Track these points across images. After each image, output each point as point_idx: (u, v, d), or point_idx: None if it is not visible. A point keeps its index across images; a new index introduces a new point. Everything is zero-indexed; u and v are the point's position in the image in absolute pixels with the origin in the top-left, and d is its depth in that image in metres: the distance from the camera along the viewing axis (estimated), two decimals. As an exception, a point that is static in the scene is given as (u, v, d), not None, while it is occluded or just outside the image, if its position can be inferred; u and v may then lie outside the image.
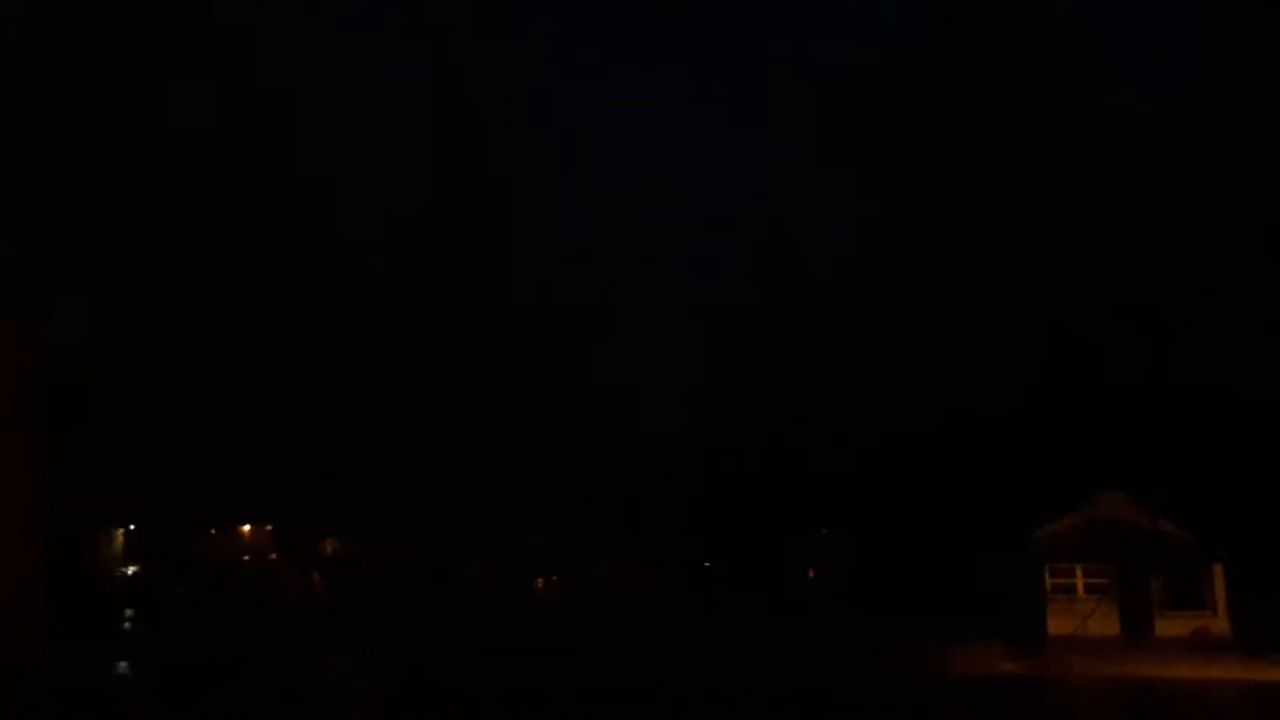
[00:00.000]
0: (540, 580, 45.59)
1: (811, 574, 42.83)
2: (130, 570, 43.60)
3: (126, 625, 35.80)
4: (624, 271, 49.68)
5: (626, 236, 57.33)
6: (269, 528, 45.74)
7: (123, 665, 28.15)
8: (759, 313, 44.48)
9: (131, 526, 43.78)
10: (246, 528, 45.79)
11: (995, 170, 39.45)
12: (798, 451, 41.69)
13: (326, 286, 45.94)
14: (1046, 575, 32.55)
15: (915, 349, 39.86)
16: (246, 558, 45.31)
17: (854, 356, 41.65)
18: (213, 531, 44.82)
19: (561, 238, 51.66)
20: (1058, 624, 32.11)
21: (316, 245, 46.53)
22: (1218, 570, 31.08)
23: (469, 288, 45.63)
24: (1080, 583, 32.31)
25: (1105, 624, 31.70)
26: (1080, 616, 31.66)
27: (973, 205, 40.18)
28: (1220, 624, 30.25)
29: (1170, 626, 30.68)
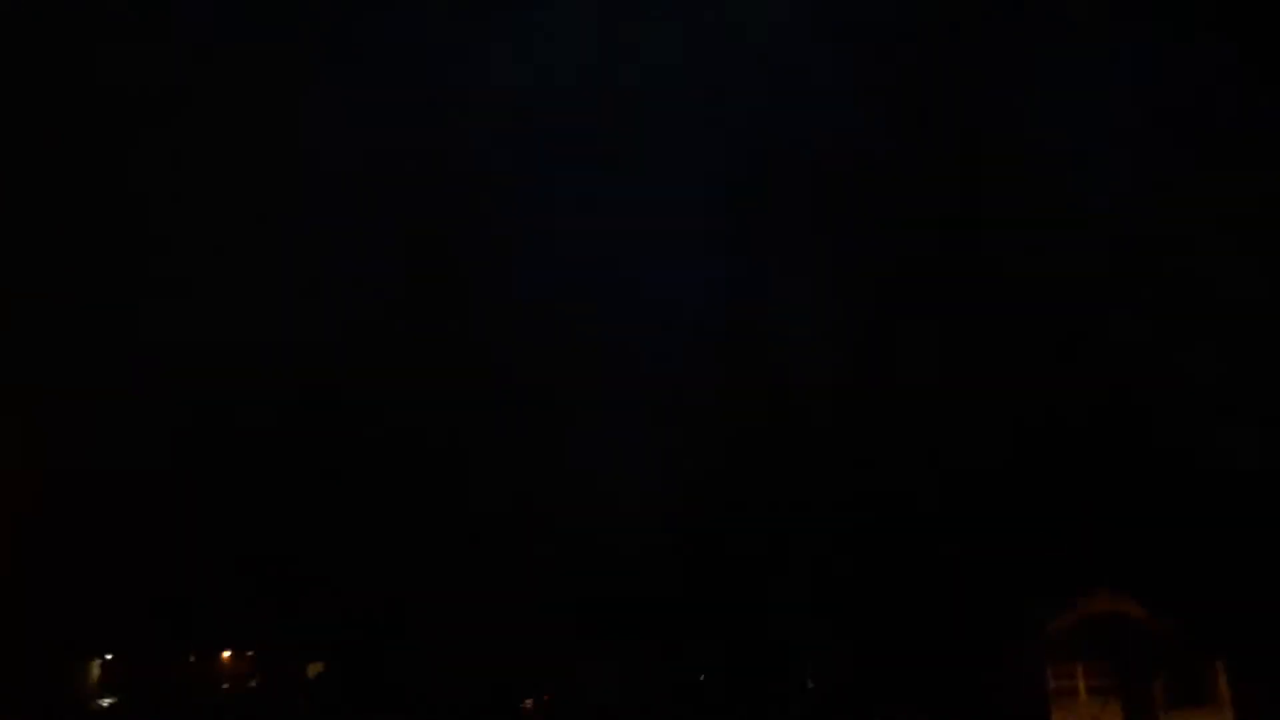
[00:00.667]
0: (529, 700, 44.49)
1: (810, 683, 41.95)
2: (106, 703, 42.25)
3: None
4: (595, 363, 49.73)
5: (590, 326, 57.50)
6: (249, 654, 44.52)
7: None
8: (740, 408, 44.40)
9: (108, 656, 42.58)
10: (226, 654, 44.53)
11: (970, 263, 39.88)
12: (787, 542, 41.15)
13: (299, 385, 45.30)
14: (1049, 676, 31.98)
15: (894, 438, 39.77)
16: (226, 686, 43.98)
17: (840, 442, 41.49)
18: (191, 659, 43.57)
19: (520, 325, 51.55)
20: (1063, 726, 31.47)
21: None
22: (1220, 666, 30.60)
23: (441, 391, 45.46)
24: (1082, 684, 31.73)
25: (1110, 725, 31.06)
26: (1086, 718, 30.97)
27: (949, 305, 40.57)
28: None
29: (1176, 725, 30.43)
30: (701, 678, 44.75)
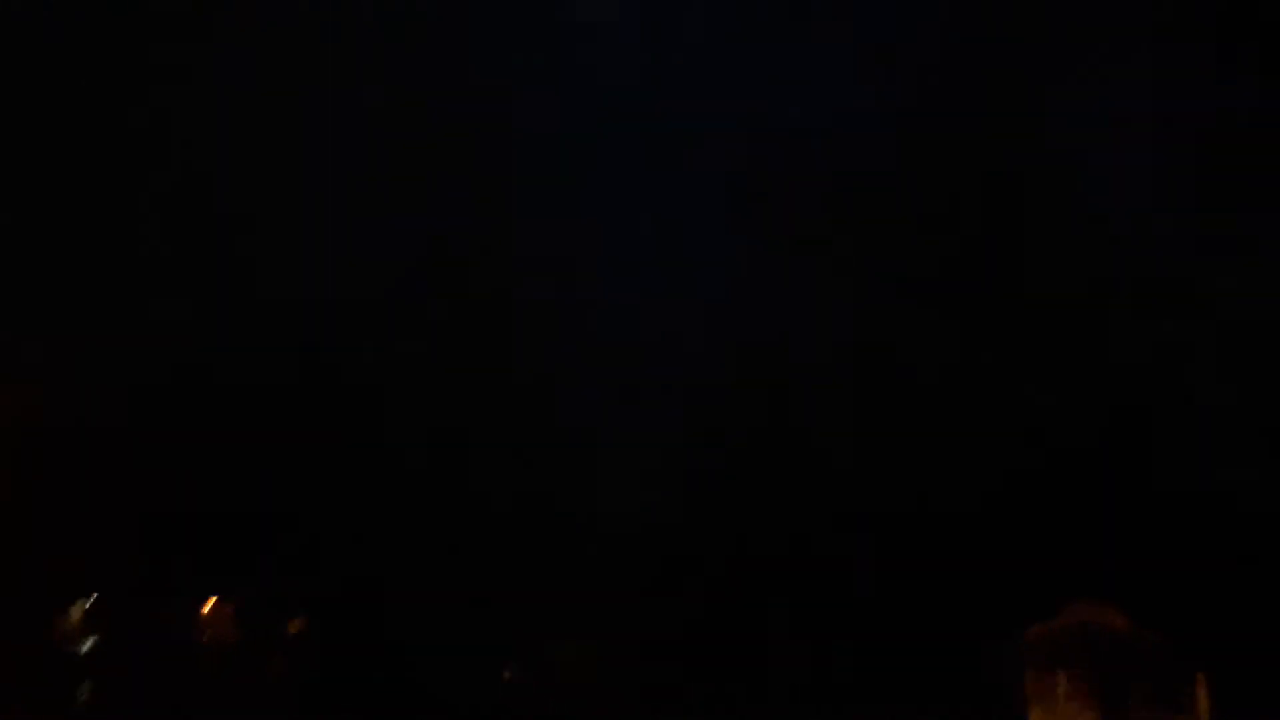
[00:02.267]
0: (506, 673, 44.51)
1: (788, 669, 41.95)
2: (87, 645, 42.32)
3: (79, 703, 34.69)
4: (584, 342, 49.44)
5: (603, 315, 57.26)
6: (230, 606, 44.43)
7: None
8: (738, 405, 44.27)
9: (94, 597, 42.60)
10: (208, 605, 44.46)
11: (977, 272, 39.60)
12: (775, 544, 41.17)
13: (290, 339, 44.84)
14: (1029, 682, 31.90)
15: (894, 446, 39.66)
16: (206, 637, 44.00)
17: (833, 451, 41.40)
18: (170, 607, 43.49)
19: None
20: (1038, 731, 31.48)
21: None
22: (1200, 678, 30.52)
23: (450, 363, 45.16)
24: (1061, 689, 31.66)
25: (1086, 732, 31.05)
26: (1060, 724, 30.98)
27: (957, 307, 40.30)
28: (1202, 735, 30.09)
29: (1152, 736, 30.40)
30: (678, 659, 44.72)
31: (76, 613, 41.03)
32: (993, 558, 32.11)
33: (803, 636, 36.34)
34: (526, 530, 41.20)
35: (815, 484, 37.83)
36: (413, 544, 39.78)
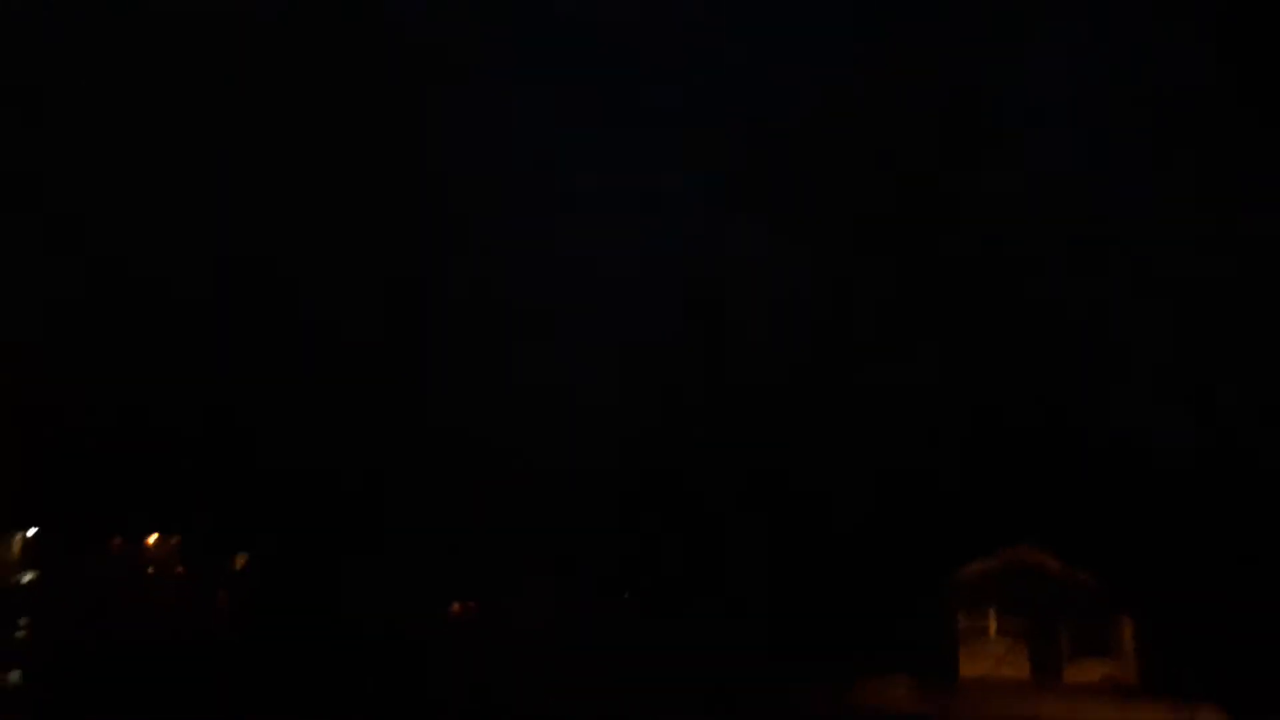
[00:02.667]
0: (456, 605, 44.85)
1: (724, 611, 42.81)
2: (26, 578, 41.93)
3: (19, 634, 34.41)
4: (556, 295, 49.57)
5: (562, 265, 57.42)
6: (175, 540, 44.28)
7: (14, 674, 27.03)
8: (688, 349, 44.68)
9: (33, 530, 42.15)
10: (152, 538, 44.27)
11: (929, 222, 40.17)
12: (719, 488, 41.81)
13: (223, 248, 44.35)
14: (961, 618, 33.08)
15: (839, 393, 40.42)
16: (151, 570, 43.84)
17: (779, 397, 42.05)
18: (116, 541, 43.26)
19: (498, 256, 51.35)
20: (970, 666, 32.59)
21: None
22: (1126, 619, 31.80)
23: (403, 294, 44.94)
24: (993, 626, 32.87)
25: (1016, 668, 32.23)
26: (993, 659, 32.15)
27: (906, 255, 40.91)
28: (1128, 671, 30.84)
29: (1079, 672, 31.22)
30: (626, 596, 45.53)
31: (16, 547, 39.92)
32: (930, 500, 32.66)
33: (748, 574, 36.68)
34: (477, 472, 40.81)
35: (760, 429, 38.07)
36: (362, 483, 39.24)
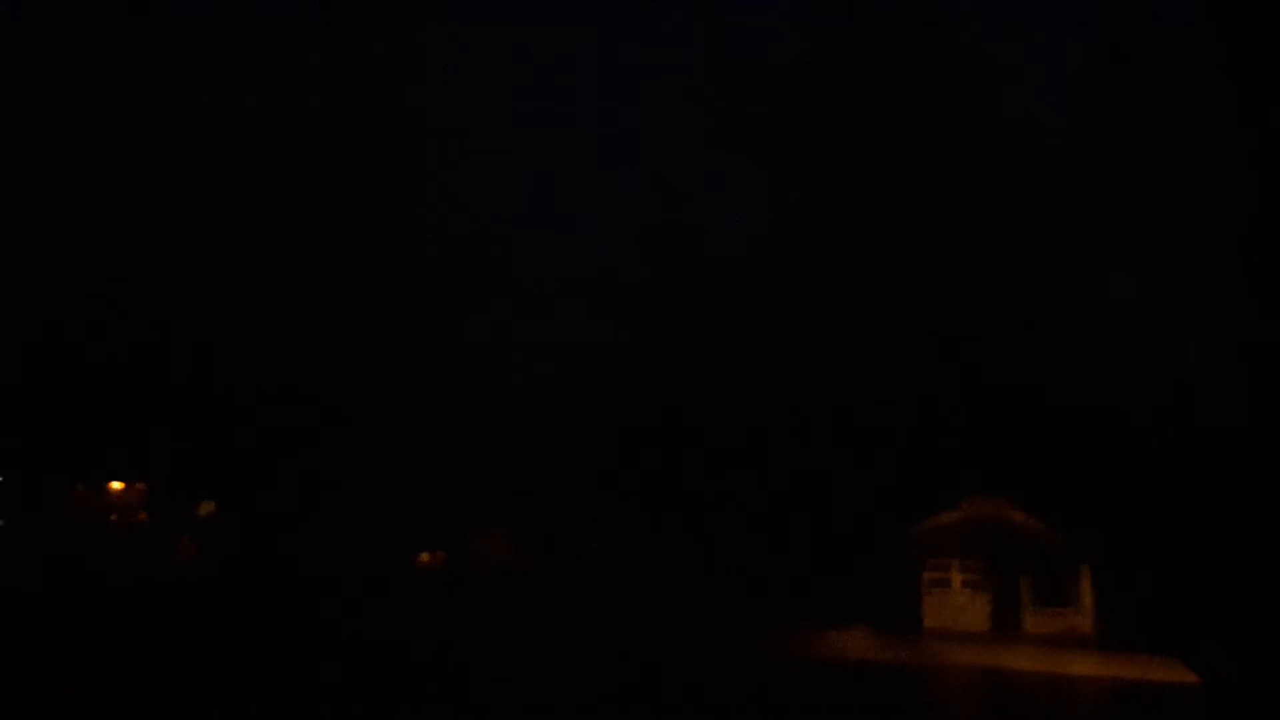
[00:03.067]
0: (425, 554, 44.88)
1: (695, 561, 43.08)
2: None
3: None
4: (519, 241, 49.33)
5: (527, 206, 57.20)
6: (140, 486, 43.87)
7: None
8: (655, 292, 44.51)
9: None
10: (117, 484, 43.84)
11: (896, 174, 40.06)
12: (688, 435, 41.89)
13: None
14: (924, 569, 33.46)
15: (805, 342, 40.48)
16: (114, 517, 43.47)
17: (746, 344, 42.06)
18: (79, 486, 42.81)
19: (459, 207, 50.88)
20: (933, 616, 33.02)
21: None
22: (1085, 571, 32.28)
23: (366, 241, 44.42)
24: (956, 578, 33.29)
25: (977, 618, 32.70)
26: (955, 610, 32.59)
27: (873, 207, 40.82)
28: (1086, 622, 31.27)
29: (1039, 623, 31.67)
30: (594, 547, 45.70)
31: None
32: (894, 452, 32.78)
33: (714, 526, 36.83)
34: (442, 419, 40.47)
35: (725, 380, 37.97)
36: (327, 432, 38.90)
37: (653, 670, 25.11)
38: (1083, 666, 27.32)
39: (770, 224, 43.16)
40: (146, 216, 41.46)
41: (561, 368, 45.16)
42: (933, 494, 33.73)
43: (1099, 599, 31.90)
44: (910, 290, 39.16)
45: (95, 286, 41.65)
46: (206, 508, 44.48)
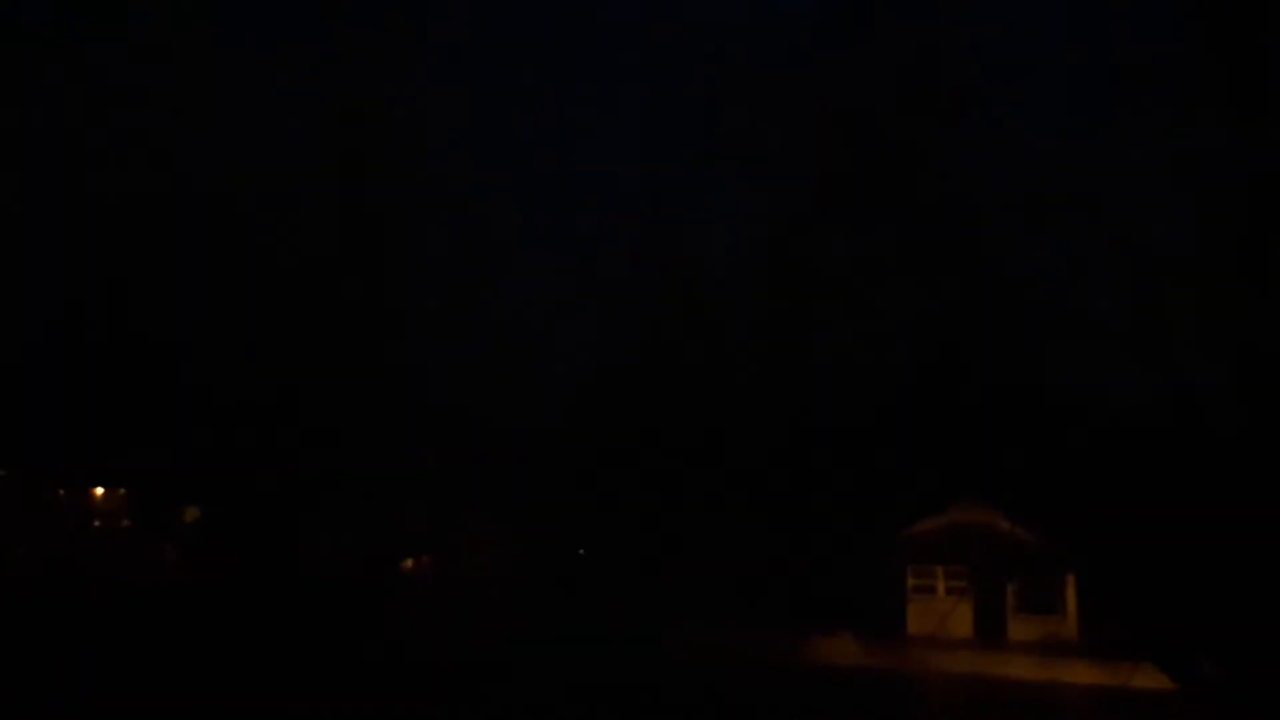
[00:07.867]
0: (410, 560, 44.67)
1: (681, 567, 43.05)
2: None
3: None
4: (509, 241, 49.24)
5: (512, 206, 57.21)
6: (123, 492, 43.55)
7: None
8: (647, 295, 44.41)
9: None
10: (99, 490, 43.50)
11: (887, 180, 40.10)
12: (678, 441, 41.87)
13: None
14: (909, 575, 33.46)
15: (793, 348, 40.46)
16: (98, 523, 43.16)
17: (734, 349, 42.06)
18: (61, 492, 42.48)
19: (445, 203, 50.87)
20: (918, 623, 33.05)
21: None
22: (1070, 579, 32.35)
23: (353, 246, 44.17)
24: (941, 584, 33.31)
25: (962, 625, 32.75)
26: (939, 616, 32.58)
27: (865, 212, 40.86)
28: (1070, 629, 31.37)
29: (1023, 629, 31.76)
30: (581, 551, 45.58)
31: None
32: (879, 457, 32.76)
33: (699, 531, 36.80)
34: (433, 419, 40.21)
35: (708, 382, 37.98)
36: (314, 437, 38.69)
37: (632, 675, 25.07)
38: (1067, 673, 27.39)
39: (764, 228, 43.06)
40: (128, 220, 41.17)
41: (552, 371, 45.09)
42: (918, 500, 33.77)
43: (1083, 606, 31.99)
44: (901, 295, 39.19)
45: (77, 292, 41.41)
46: (191, 514, 44.18)
